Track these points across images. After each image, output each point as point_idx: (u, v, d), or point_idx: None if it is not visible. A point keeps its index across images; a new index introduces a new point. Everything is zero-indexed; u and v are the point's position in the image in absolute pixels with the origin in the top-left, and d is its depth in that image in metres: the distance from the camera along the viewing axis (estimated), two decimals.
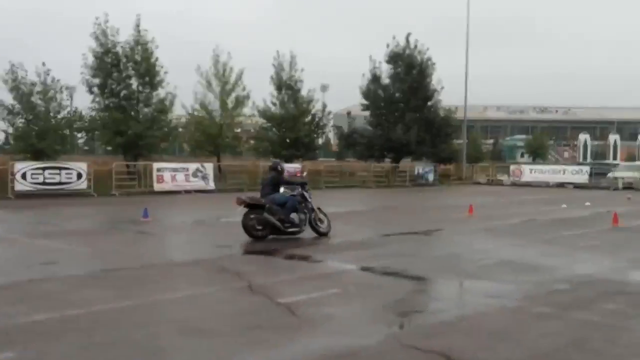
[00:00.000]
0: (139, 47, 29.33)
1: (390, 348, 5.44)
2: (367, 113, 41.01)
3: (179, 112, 34.48)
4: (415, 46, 39.62)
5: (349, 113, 41.59)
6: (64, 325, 5.94)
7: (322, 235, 12.76)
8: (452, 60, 61.97)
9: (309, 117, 36.91)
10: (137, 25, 29.34)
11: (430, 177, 38.49)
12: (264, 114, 36.13)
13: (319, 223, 12.87)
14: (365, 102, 40.14)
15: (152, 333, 5.76)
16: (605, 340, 5.81)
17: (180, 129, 36.02)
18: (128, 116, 28.88)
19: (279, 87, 35.96)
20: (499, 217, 17.80)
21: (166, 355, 5.22)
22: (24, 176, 22.65)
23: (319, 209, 13.02)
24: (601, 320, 6.50)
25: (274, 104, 36.20)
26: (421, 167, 39.00)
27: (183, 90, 33.14)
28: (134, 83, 29.68)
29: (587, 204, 22.90)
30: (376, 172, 36.42)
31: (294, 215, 12.32)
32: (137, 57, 29.21)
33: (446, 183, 39.39)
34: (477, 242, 12.67)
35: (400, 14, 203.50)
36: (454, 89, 49.73)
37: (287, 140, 35.47)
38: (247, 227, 12.08)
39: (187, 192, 26.44)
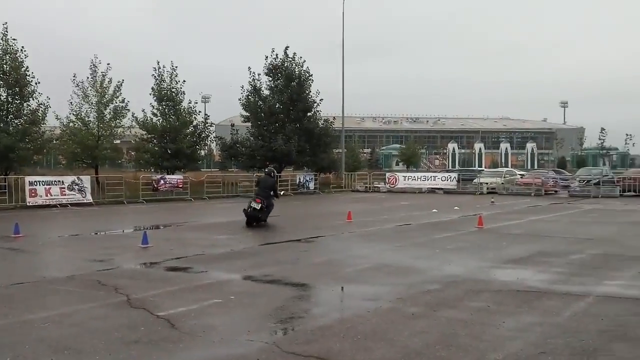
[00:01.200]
0: (8, 57, 27.75)
1: (270, 355, 5.55)
2: (249, 124, 41.11)
3: (53, 123, 32.92)
4: (293, 59, 40.29)
5: (232, 125, 41.38)
6: None
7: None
8: (331, 74, 63.47)
9: (191, 129, 36.47)
10: (5, 35, 27.76)
11: (311, 185, 39.13)
12: (145, 125, 35.25)
13: None
14: (245, 113, 40.25)
15: (22, 354, 5.50)
16: (471, 336, 6.23)
17: (55, 141, 34.31)
18: None
19: (159, 99, 35.27)
20: (375, 222, 18.46)
21: None
22: None
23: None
24: (468, 318, 6.96)
25: (155, 115, 35.46)
26: (302, 176, 39.57)
27: (57, 101, 31.68)
28: (3, 94, 28.02)
29: (456, 208, 24.29)
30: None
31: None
32: (6, 67, 27.60)
33: (326, 191, 40.19)
34: (355, 247, 13.10)
35: (281, 28, 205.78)
36: (332, 101, 50.96)
37: (169, 152, 34.80)
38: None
39: (63, 205, 25.22)
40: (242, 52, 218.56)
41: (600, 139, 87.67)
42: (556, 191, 36.65)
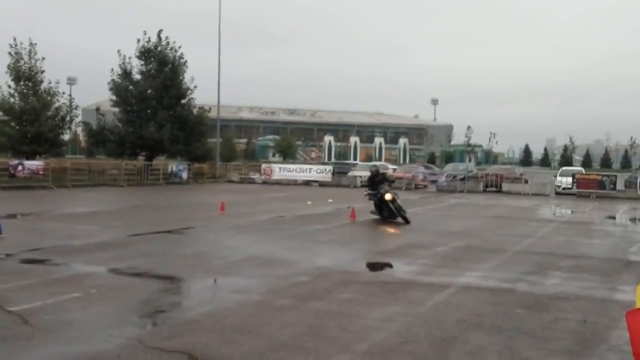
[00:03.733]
0: None
1: (132, 351, 5.31)
2: (118, 109, 39.35)
3: None
4: (168, 43, 39.05)
5: (98, 109, 39.37)
6: None
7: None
8: (207, 60, 62.26)
9: (53, 111, 34.28)
10: None
11: (184, 175, 38.21)
12: (2, 106, 32.68)
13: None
14: (115, 98, 38.49)
15: None
16: (339, 327, 6.31)
17: None
18: None
19: (17, 78, 32.81)
20: (249, 214, 18.34)
21: None
22: None
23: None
24: (336, 309, 7.05)
25: (12, 96, 32.97)
26: (175, 166, 38.55)
27: None
28: None
29: (330, 200, 24.71)
30: (128, 170, 35.12)
31: None
32: None
33: (200, 181, 39.43)
34: (227, 239, 12.93)
35: (157, 12, 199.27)
36: (208, 89, 50.06)
37: (28, 136, 32.53)
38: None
39: None
40: (115, 34, 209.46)
41: (466, 137, 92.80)
42: (425, 185, 38.26)
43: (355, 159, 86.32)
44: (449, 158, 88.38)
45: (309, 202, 23.36)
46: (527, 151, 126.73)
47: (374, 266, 10.09)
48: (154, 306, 6.99)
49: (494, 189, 34.97)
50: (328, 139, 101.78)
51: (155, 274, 8.84)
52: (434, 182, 38.22)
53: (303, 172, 41.27)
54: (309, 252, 11.44)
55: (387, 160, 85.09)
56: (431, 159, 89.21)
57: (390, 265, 10.10)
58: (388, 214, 16.82)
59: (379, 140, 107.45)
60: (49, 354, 5.22)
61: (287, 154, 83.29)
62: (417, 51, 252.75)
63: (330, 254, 11.20)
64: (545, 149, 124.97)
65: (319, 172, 40.68)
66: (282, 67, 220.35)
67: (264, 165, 44.12)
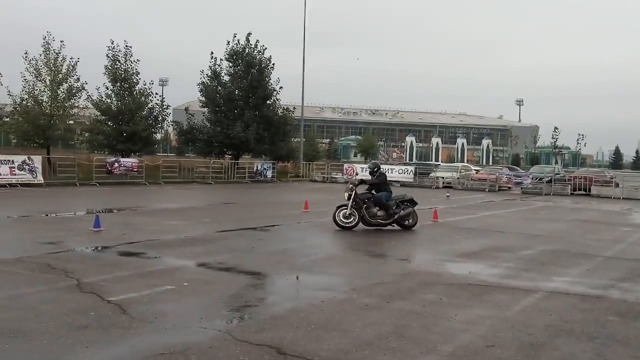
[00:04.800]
0: None
1: (222, 343, 5.52)
2: (207, 109, 40.62)
3: (4, 100, 31.86)
4: (255, 45, 39.98)
5: (187, 109, 40.74)
6: None
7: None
8: (292, 61, 63.19)
9: (146, 111, 35.80)
10: None
11: (269, 174, 38.98)
12: (99, 106, 34.45)
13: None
14: (204, 99, 39.75)
15: None
16: (423, 327, 6.32)
17: (5, 119, 33.19)
18: None
19: (114, 79, 34.47)
20: (331, 213, 18.48)
21: None
22: None
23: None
24: (420, 309, 7.06)
25: (109, 96, 34.67)
26: (260, 164, 39.37)
27: (10, 77, 30.68)
28: None
29: None
30: (215, 168, 36.22)
31: None
32: None
33: (284, 180, 40.11)
34: (311, 237, 13.13)
35: (244, 14, 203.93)
36: (293, 89, 50.78)
37: (124, 134, 34.12)
38: None
39: (12, 185, 24.52)
40: (204, 38, 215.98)
41: (553, 138, 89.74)
42: (509, 187, 37.37)
43: (436, 159, 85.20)
44: (534, 160, 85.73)
45: None
46: (617, 154, 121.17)
47: (457, 268, 9.98)
48: (242, 300, 7.22)
49: (582, 192, 33.70)
50: (409, 139, 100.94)
51: (242, 269, 9.12)
52: (518, 184, 37.25)
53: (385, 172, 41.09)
54: (392, 251, 11.46)
55: (469, 161, 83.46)
56: (515, 161, 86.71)
57: (474, 268, 9.97)
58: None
59: (461, 141, 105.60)
60: (146, 343, 5.50)
61: (368, 154, 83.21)
62: (503, 50, 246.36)
63: (413, 254, 11.17)
64: (637, 152, 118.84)
65: (400, 172, 40.49)
66: (363, 68, 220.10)
67: (346, 165, 44.36)
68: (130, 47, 34.84)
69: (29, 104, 31.59)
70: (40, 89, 31.66)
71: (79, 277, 7.90)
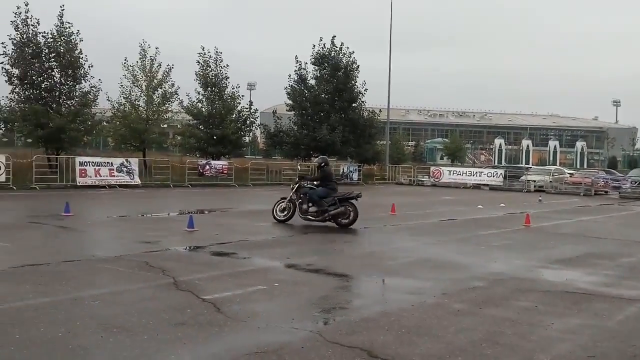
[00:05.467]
0: (62, 39, 28.39)
1: (314, 344, 5.55)
2: (293, 113, 41.21)
3: (104, 105, 33.66)
4: (341, 48, 40.18)
5: (274, 112, 41.47)
6: None
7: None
8: (377, 64, 63.12)
9: (235, 115, 36.74)
10: (61, 17, 28.41)
11: (355, 176, 39.06)
12: (190, 110, 35.69)
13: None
14: (290, 102, 40.33)
15: (72, 330, 5.64)
16: (518, 335, 6.12)
17: (104, 123, 35.05)
18: (49, 109, 27.89)
19: (204, 84, 35.61)
20: (419, 216, 18.32)
21: (87, 353, 5.12)
22: None
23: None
24: (514, 317, 6.84)
25: (200, 101, 35.85)
26: (346, 167, 39.52)
27: (109, 83, 32.35)
28: (57, 75, 28.70)
29: (502, 205, 23.91)
30: (302, 170, 36.63)
31: None
32: (60, 49, 28.25)
33: (370, 182, 40.07)
34: (399, 240, 13.02)
35: (329, 17, 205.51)
36: (378, 92, 50.66)
37: (214, 137, 35.18)
38: None
39: (111, 186, 25.78)
40: (288, 40, 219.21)
41: None
42: (606, 192, 35.73)
43: (527, 162, 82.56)
44: (632, 163, 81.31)
45: (479, 206, 22.81)
46: None
47: (552, 274, 9.61)
48: (332, 302, 7.25)
49: None
50: (498, 141, 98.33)
51: (331, 271, 9.16)
52: (616, 188, 35.50)
53: (473, 175, 40.38)
54: (483, 256, 11.19)
55: (562, 164, 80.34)
56: (612, 164, 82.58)
57: (571, 275, 9.57)
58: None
59: (553, 143, 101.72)
60: (240, 341, 5.63)
61: (455, 156, 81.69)
62: (598, 49, 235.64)
63: (505, 260, 10.86)
64: None
65: (489, 175, 39.57)
66: (450, 68, 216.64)
67: (433, 168, 43.77)
68: (221, 52, 35.93)
69: (126, 108, 33.19)
70: (136, 94, 33.24)
71: (175, 276, 8.18)
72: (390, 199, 23.02)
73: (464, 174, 40.75)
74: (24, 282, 7.54)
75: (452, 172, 41.65)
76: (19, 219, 14.67)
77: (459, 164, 76.41)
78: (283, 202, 15.12)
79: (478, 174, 40.66)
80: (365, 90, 41.04)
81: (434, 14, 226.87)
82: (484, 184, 38.41)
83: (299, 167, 35.62)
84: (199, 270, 8.82)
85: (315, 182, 15.21)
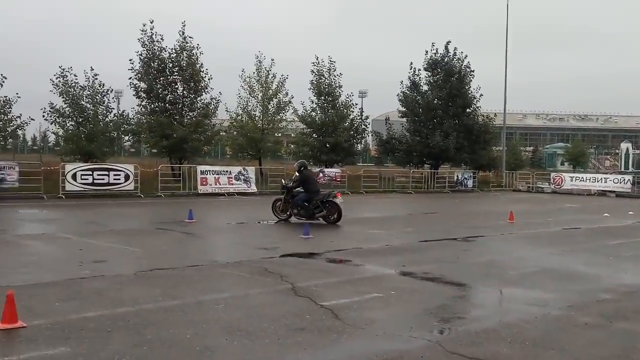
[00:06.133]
0: (185, 53, 29.94)
1: (434, 354, 5.47)
2: (405, 119, 40.96)
3: (222, 116, 35.17)
4: (454, 53, 39.52)
5: (387, 119, 41.38)
6: (115, 323, 6.12)
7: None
8: (491, 67, 61.49)
9: (348, 123, 37.06)
10: (183, 32, 30.00)
11: (470, 183, 38.18)
12: (304, 119, 36.42)
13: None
14: (403, 108, 40.11)
15: (200, 332, 5.90)
16: None
17: (223, 133, 36.57)
18: (173, 120, 29.49)
19: (318, 93, 36.20)
20: (540, 224, 17.60)
21: (214, 355, 5.33)
22: (74, 177, 23.20)
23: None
24: None
25: (314, 110, 36.49)
26: (460, 174, 38.74)
27: (227, 95, 33.83)
28: (180, 88, 30.31)
29: (631, 212, 22.48)
30: (415, 177, 36.34)
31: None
32: (183, 63, 29.81)
33: (485, 190, 39.02)
34: (519, 249, 12.58)
35: (439, 21, 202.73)
36: (492, 96, 49.28)
37: (327, 145, 35.68)
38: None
39: (230, 194, 26.79)
40: (399, 47, 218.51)
41: None
42: None
43: None
44: None
45: (606, 214, 21.54)
46: None
47: None
48: (450, 312, 7.12)
49: None
50: (625, 145, 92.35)
51: (448, 280, 9.00)
52: None
53: (598, 181, 38.24)
54: (611, 267, 10.56)
55: None
56: None
57: None
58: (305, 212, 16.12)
59: None
60: (359, 348, 5.65)
61: (578, 162, 77.68)
62: None
63: (637, 271, 10.22)
64: None
65: (616, 181, 37.31)
66: (571, 70, 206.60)
67: (553, 174, 41.96)
68: (334, 61, 36.38)
69: (243, 118, 34.44)
70: (253, 105, 34.42)
71: (293, 282, 8.35)
72: (507, 206, 22.30)
73: (588, 180, 38.71)
74: (154, 285, 7.99)
75: (574, 178, 39.70)
76: (147, 226, 15.56)
77: (581, 169, 72.61)
78: (280, 203, 16.71)
79: (603, 180, 38.47)
80: (481, 95, 40.13)
81: (552, 11, 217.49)
82: (609, 191, 36.29)
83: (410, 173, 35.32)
84: (316, 276, 8.96)
85: (299, 188, 16.38)
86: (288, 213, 16.48)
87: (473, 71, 39.84)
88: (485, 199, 31.55)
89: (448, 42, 39.60)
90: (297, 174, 16.96)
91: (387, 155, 43.49)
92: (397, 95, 39.94)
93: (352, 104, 37.45)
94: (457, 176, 38.24)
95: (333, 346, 5.67)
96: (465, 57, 39.71)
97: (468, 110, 40.21)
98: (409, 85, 39.81)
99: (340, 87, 36.64)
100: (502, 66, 44.12)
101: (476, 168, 40.63)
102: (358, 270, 9.72)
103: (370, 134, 43.23)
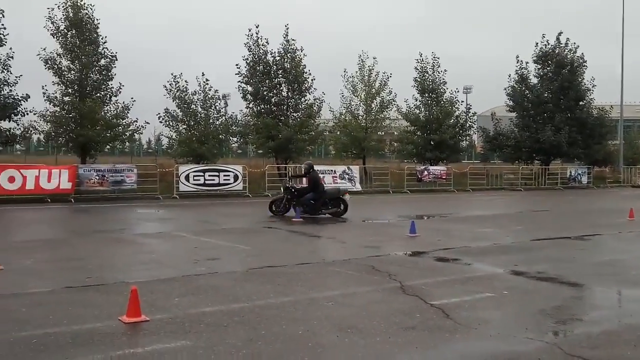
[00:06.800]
0: (288, 56, 30.54)
1: (552, 356, 5.27)
2: (512, 114, 39.70)
3: (326, 116, 35.58)
4: (566, 44, 37.85)
5: (493, 114, 40.26)
6: (231, 318, 6.34)
7: None
8: (605, 57, 58.27)
9: (453, 119, 36.40)
10: (286, 35, 30.60)
11: (584, 179, 36.42)
12: (408, 116, 36.13)
13: None
14: (510, 103, 38.88)
15: (311, 329, 6.00)
16: None
17: (326, 133, 36.98)
18: (278, 121, 30.18)
19: (422, 90, 35.79)
20: None
21: (326, 352, 5.39)
22: (187, 178, 24.32)
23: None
24: None
25: (418, 107, 36.12)
26: (574, 170, 37.04)
27: (330, 95, 34.26)
28: (284, 90, 30.96)
29: None
30: (524, 174, 35.12)
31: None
32: (287, 65, 30.42)
33: (601, 186, 37.09)
34: None
35: (544, 11, 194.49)
36: (608, 88, 46.71)
37: (432, 143, 35.22)
38: None
39: None
40: (505, 40, 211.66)
41: None
42: None
43: None
44: None
45: None
46: None
47: None
48: (567, 313, 6.83)
49: None
50: None
51: (564, 280, 8.62)
52: None
53: None
54: None
55: None
56: None
57: None
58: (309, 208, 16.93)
59: None
60: (472, 349, 5.53)
61: None
62: None
63: None
64: None
65: None
66: None
67: None
68: (438, 58, 35.84)
69: (346, 118, 34.67)
70: (356, 104, 34.56)
71: (401, 280, 8.31)
72: (627, 203, 21.08)
73: None
74: (265, 282, 8.21)
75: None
76: (256, 225, 15.99)
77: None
78: (280, 202, 17.43)
79: None
80: (594, 87, 38.18)
81: None
82: None
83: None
84: (424, 275, 8.88)
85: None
86: (285, 208, 17.31)
87: (586, 62, 38.06)
88: (602, 196, 29.98)
89: (560, 33, 38.19)
90: (305, 176, 18.02)
91: (494, 152, 42.35)
92: (505, 90, 38.81)
93: (457, 100, 36.76)
94: (570, 172, 36.60)
95: (445, 346, 5.59)
96: (577, 48, 38.03)
97: (581, 103, 38.43)
98: (516, 78, 38.54)
99: (444, 83, 36.05)
100: (618, 55, 41.70)
101: (590, 163, 38.74)
102: (467, 269, 9.53)
103: (476, 131, 42.23)
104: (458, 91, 37.67)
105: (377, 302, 7.20)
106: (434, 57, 35.80)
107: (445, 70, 35.86)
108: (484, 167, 37.68)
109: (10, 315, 6.36)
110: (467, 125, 37.92)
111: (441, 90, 35.94)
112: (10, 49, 24.52)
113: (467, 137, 44.03)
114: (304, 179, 17.97)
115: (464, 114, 37.98)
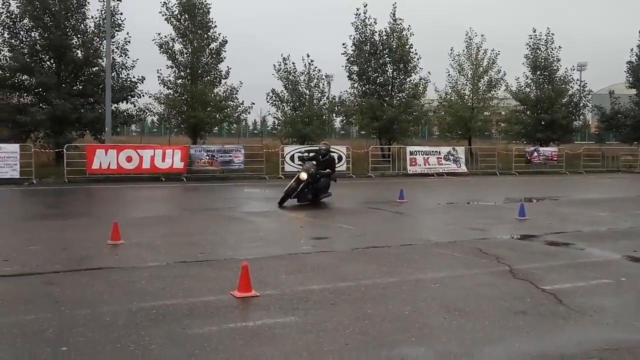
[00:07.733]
0: (395, 35, 30.24)
1: None
2: (633, 92, 37.23)
3: (431, 96, 35.01)
4: None
5: (611, 92, 37.95)
6: (337, 296, 6.43)
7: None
8: None
9: (566, 98, 34.71)
10: (393, 14, 30.27)
11: None
12: (517, 95, 34.81)
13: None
14: (631, 79, 36.48)
15: (418, 310, 5.97)
16: None
17: (431, 113, 36.43)
18: (383, 102, 30.03)
19: (534, 68, 34.33)
20: None
21: (434, 333, 5.35)
22: (291, 158, 24.73)
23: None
24: None
25: (528, 86, 34.72)
26: None
27: (435, 74, 33.65)
28: (389, 70, 30.72)
29: None
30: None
31: None
32: (393, 45, 30.14)
33: None
34: None
35: None
36: None
37: (542, 123, 33.78)
38: None
39: (439, 174, 26.63)
40: (618, 14, 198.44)
41: None
42: None
43: None
44: None
45: None
46: None
47: None
48: None
49: None
50: None
51: None
52: None
53: None
54: None
55: None
56: None
57: None
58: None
59: None
60: (587, 336, 5.32)
61: None
62: None
63: None
64: None
65: None
66: None
67: None
68: (552, 34, 34.23)
69: (452, 97, 33.92)
70: (462, 83, 33.73)
71: (510, 264, 8.08)
72: None
73: None
74: (371, 262, 8.24)
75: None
76: (359, 205, 16.06)
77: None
78: (294, 192, 14.97)
79: None
80: None
81: None
82: None
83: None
84: (535, 259, 8.59)
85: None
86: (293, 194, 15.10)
87: None
88: None
89: None
90: (324, 159, 15.62)
91: (610, 132, 40.04)
92: (627, 64, 36.40)
93: (572, 78, 34.98)
94: None
95: (558, 332, 5.39)
96: None
97: None
98: (638, 52, 36.09)
99: (558, 60, 34.37)
100: None
101: None
102: (581, 254, 9.12)
103: (590, 110, 40.03)
104: (573, 69, 35.87)
105: (485, 285, 7.05)
106: (548, 33, 34.20)
107: (560, 47, 34.22)
108: (599, 148, 35.74)
109: (132, 287, 6.77)
110: (582, 104, 36.04)
111: (554, 67, 34.32)
112: (127, 33, 25.88)
113: (581, 117, 41.84)
114: (314, 162, 15.48)
115: (578, 92, 36.12)
